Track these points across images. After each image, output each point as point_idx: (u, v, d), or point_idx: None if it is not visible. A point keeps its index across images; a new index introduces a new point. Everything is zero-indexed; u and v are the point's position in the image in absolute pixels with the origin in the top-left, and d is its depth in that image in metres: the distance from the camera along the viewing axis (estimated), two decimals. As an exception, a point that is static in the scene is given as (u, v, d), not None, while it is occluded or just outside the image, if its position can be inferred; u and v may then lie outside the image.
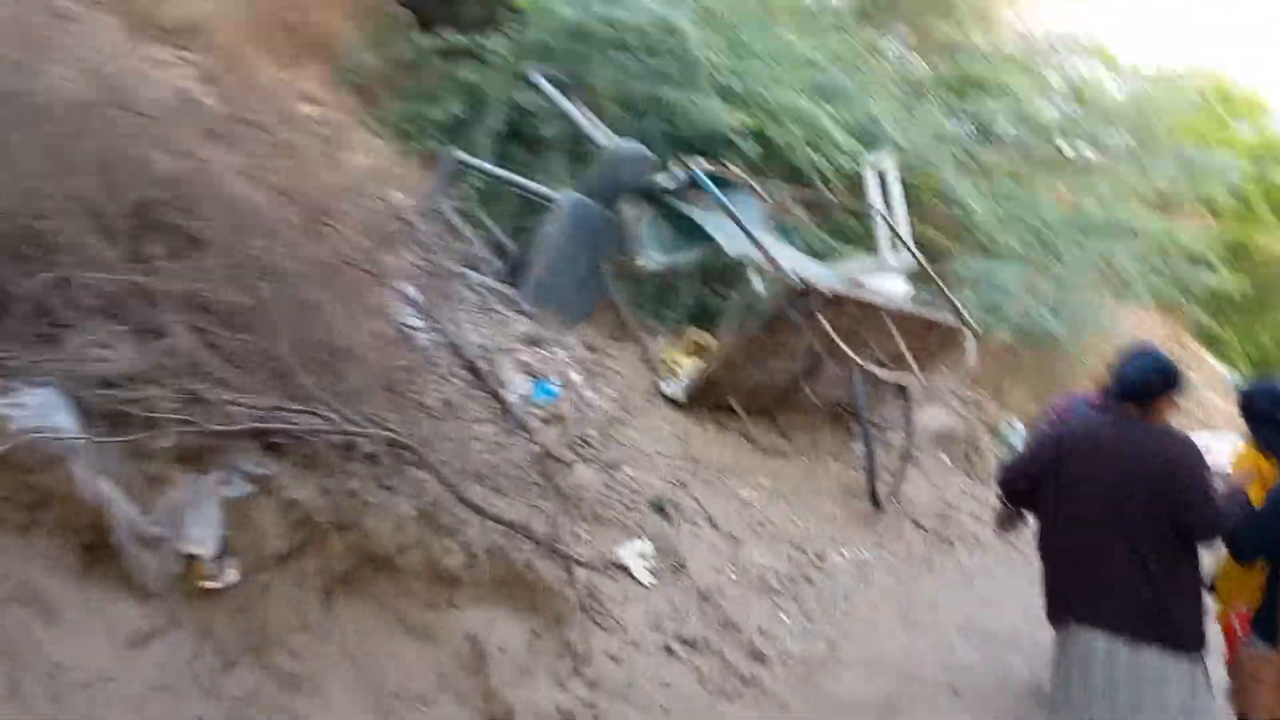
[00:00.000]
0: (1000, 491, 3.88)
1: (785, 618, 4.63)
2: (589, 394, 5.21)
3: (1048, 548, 3.55)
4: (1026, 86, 10.97)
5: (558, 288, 5.97)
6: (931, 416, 7.34)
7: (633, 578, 4.21)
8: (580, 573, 3.85)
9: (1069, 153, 11.64)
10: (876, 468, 5.98)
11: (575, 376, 5.23)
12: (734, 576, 4.70)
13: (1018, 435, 8.09)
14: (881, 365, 5.96)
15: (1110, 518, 3.28)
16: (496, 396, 4.23)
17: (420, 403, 3.64)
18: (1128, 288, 9.23)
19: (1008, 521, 5.22)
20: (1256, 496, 3.64)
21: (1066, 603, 3.44)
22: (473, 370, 4.23)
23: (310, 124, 4.58)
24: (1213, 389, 11.40)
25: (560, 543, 3.76)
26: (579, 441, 4.72)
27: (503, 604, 3.51)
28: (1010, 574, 6.00)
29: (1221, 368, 13.79)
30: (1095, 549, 3.31)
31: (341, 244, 3.46)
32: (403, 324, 4.03)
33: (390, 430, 3.21)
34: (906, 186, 7.96)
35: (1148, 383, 3.39)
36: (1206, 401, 11.02)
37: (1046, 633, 3.57)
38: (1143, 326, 11.23)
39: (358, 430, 3.14)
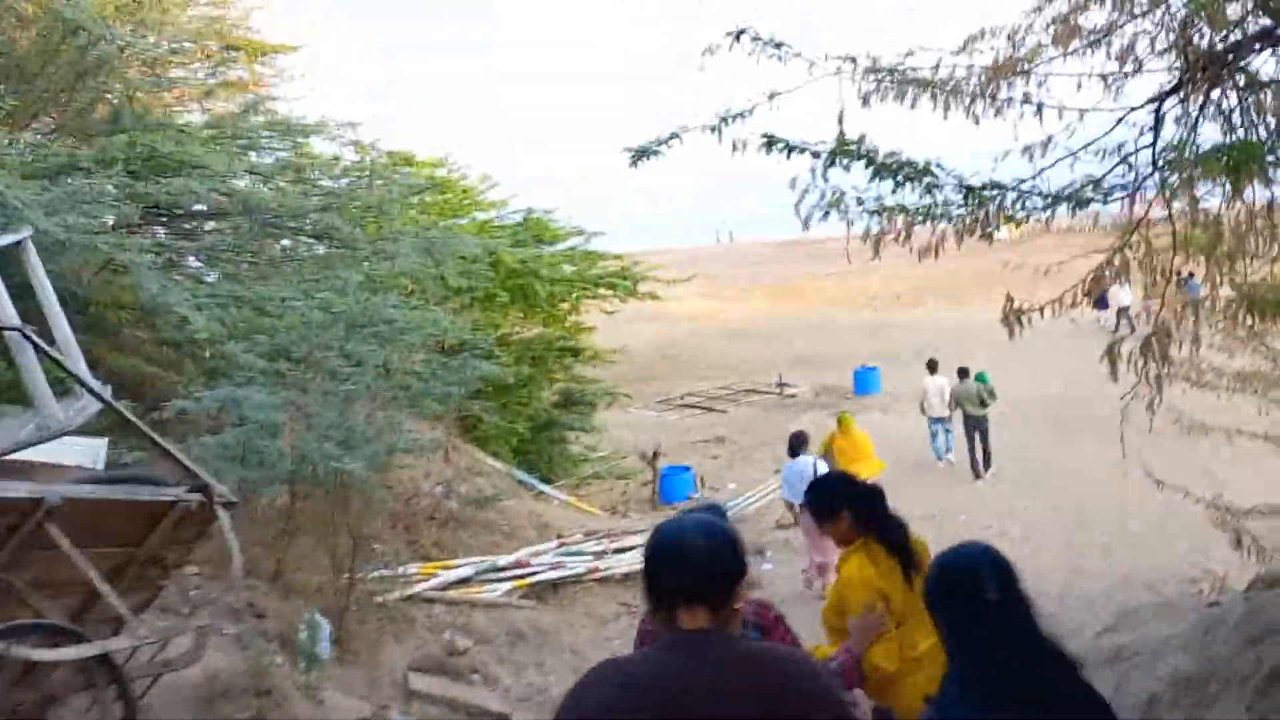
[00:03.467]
0: None
1: None
2: None
3: None
4: (232, 166, 8.49)
5: None
6: (181, 661, 4.19)
7: None
8: None
9: (290, 242, 9.42)
10: None
11: None
12: None
13: (325, 635, 5.35)
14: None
15: None
16: None
17: None
18: (416, 398, 7.15)
19: None
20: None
21: None
22: None
23: None
24: (517, 496, 9.98)
25: None
26: None
27: None
28: None
29: (499, 465, 12.81)
30: None
31: None
32: None
33: None
34: (77, 301, 4.87)
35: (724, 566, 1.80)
36: (511, 512, 9.54)
37: None
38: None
39: None
